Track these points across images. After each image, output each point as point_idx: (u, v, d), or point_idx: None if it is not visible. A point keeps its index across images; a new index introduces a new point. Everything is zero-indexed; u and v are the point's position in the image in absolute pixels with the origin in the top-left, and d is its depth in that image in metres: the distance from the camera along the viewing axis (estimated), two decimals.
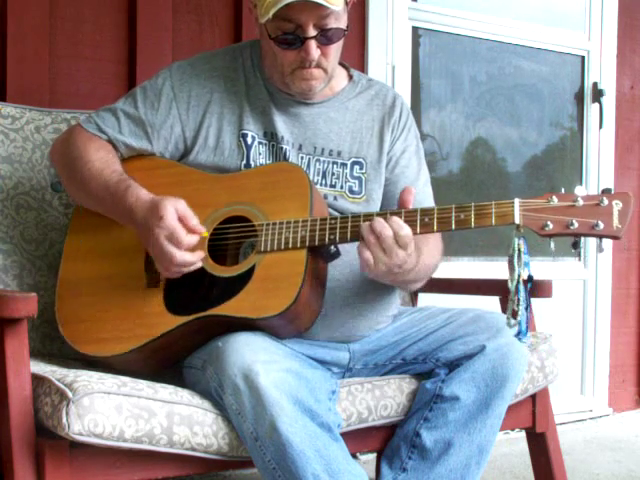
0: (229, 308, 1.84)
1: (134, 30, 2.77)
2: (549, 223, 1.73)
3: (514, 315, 1.77)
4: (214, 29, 2.93)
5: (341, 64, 2.15)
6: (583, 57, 3.99)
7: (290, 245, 1.85)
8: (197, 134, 2.05)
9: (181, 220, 1.82)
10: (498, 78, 3.87)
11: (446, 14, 3.60)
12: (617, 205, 1.73)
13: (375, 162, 2.11)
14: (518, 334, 1.78)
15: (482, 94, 3.84)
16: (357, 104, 2.15)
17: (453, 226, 1.79)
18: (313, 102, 2.09)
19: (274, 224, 1.88)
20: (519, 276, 1.75)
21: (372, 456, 2.97)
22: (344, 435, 1.79)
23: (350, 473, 1.73)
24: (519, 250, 1.75)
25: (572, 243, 1.77)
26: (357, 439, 1.96)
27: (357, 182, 2.09)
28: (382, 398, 1.98)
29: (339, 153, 2.09)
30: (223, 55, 2.13)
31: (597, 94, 3.94)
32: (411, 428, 1.98)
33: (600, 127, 3.95)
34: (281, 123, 2.06)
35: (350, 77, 2.19)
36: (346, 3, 1.97)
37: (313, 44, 1.94)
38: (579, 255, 3.95)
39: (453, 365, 1.99)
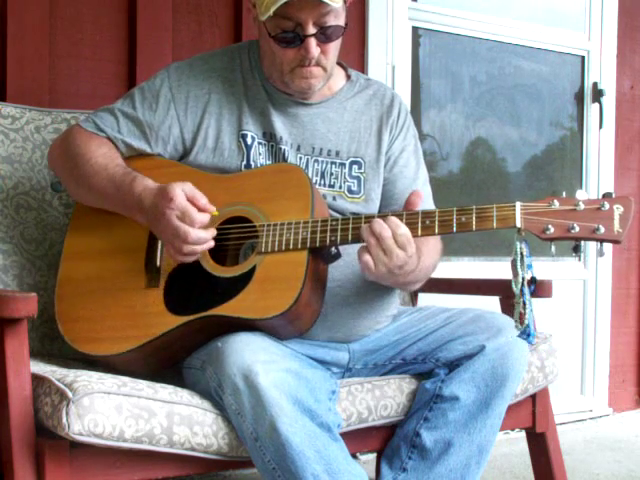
0: (229, 308, 1.84)
1: (134, 30, 2.77)
2: (550, 227, 1.74)
3: (521, 318, 1.78)
4: (214, 29, 2.93)
5: (339, 64, 2.14)
6: (583, 57, 3.98)
7: (291, 246, 1.85)
8: (196, 135, 2.04)
9: (190, 200, 1.83)
10: (498, 78, 3.87)
11: (446, 14, 3.60)
12: (618, 209, 1.73)
13: (373, 162, 2.11)
14: (527, 336, 1.79)
15: (482, 94, 3.84)
16: (355, 104, 2.15)
17: (454, 229, 1.79)
18: (311, 102, 2.09)
19: (275, 225, 1.88)
20: (523, 279, 1.76)
21: (372, 456, 2.96)
22: (344, 435, 1.79)
23: (350, 473, 1.73)
24: (521, 254, 1.76)
25: (573, 247, 1.77)
26: (357, 439, 1.96)
27: (356, 182, 2.09)
28: (382, 398, 1.98)
29: (337, 153, 2.09)
30: (221, 56, 2.12)
31: (597, 94, 3.93)
32: (411, 428, 1.98)
33: (600, 127, 3.95)
34: (279, 124, 2.06)
35: (348, 77, 2.18)
36: (344, 1, 1.97)
37: (313, 42, 1.94)
38: (579, 255, 3.95)
39: (453, 365, 1.98)
